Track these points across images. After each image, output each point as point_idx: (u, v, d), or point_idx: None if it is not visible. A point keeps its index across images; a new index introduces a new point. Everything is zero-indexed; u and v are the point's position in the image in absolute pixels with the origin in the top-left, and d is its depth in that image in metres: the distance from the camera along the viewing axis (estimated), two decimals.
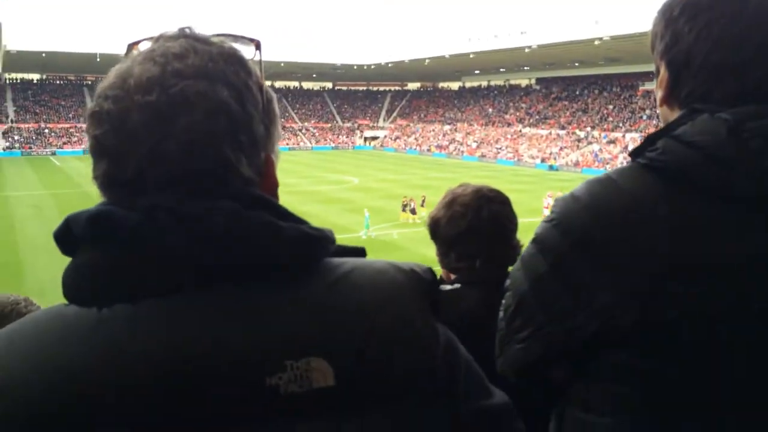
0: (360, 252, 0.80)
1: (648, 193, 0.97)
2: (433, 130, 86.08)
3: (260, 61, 0.79)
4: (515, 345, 1.08)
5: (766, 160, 0.92)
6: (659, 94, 1.13)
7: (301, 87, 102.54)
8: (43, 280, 19.76)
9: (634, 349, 0.95)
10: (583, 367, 1.03)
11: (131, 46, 0.78)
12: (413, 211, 30.06)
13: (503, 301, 1.13)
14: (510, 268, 1.16)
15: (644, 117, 65.46)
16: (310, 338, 0.68)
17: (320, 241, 0.74)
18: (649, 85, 67.12)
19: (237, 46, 0.77)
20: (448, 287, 1.83)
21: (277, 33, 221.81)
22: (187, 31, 0.75)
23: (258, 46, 0.81)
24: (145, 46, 0.76)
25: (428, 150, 78.92)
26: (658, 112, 1.16)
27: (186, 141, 0.69)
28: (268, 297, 0.70)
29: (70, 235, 0.71)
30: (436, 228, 1.96)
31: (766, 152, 0.92)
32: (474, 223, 1.87)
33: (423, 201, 31.16)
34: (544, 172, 58.89)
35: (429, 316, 0.75)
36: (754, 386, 0.92)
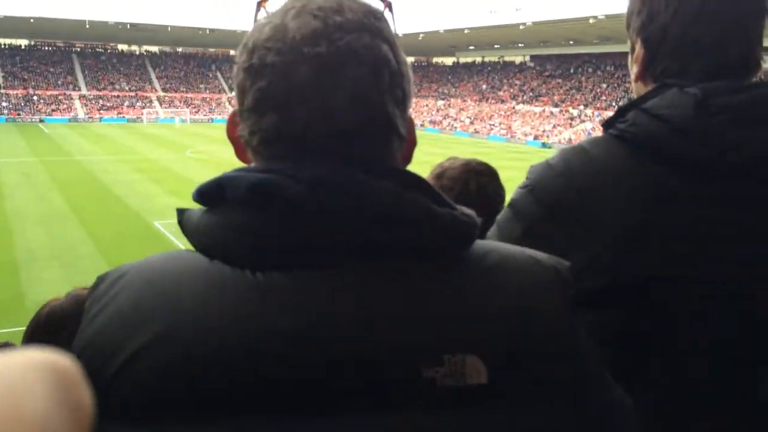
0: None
1: (618, 162, 1.02)
2: (427, 105, 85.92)
3: (393, 21, 0.79)
4: None
5: (728, 134, 0.96)
6: (634, 70, 1.17)
7: None
8: (32, 248, 19.82)
9: (604, 309, 0.99)
10: None
11: (260, 4, 0.78)
12: None
13: None
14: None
15: None
16: (466, 333, 0.67)
17: (472, 228, 0.74)
18: None
19: (371, 3, 0.77)
20: None
21: None
22: None
23: (389, 6, 0.81)
24: (273, 3, 0.75)
25: (421, 125, 78.69)
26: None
27: (354, 94, 0.69)
28: (426, 283, 0.69)
29: (220, 194, 0.70)
30: None
31: (730, 127, 0.96)
32: (462, 197, 1.88)
33: None
34: (537, 149, 58.96)
35: (572, 316, 0.75)
36: (716, 338, 0.98)
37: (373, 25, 0.73)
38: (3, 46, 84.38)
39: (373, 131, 0.72)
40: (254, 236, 0.68)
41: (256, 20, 0.76)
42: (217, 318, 0.64)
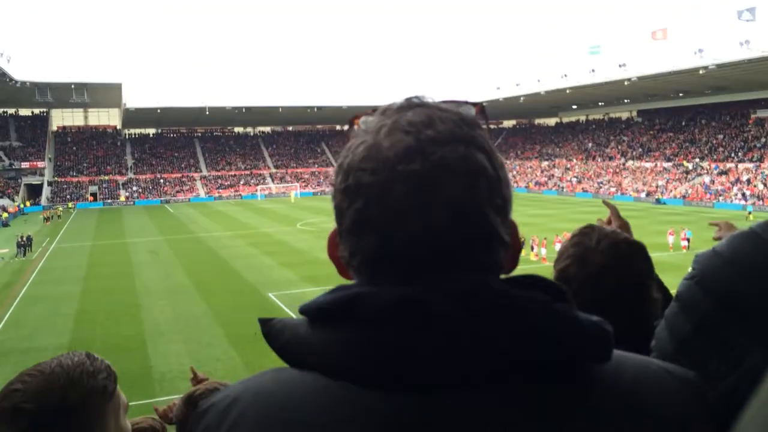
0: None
1: None
2: (531, 167, 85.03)
3: (487, 124, 0.77)
4: None
5: None
6: None
7: None
8: (158, 321, 20.96)
9: None
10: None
11: (353, 121, 0.78)
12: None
13: None
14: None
15: (758, 146, 61.79)
16: None
17: (611, 339, 0.71)
18: (762, 113, 63.59)
19: (462, 110, 0.76)
20: None
21: (379, 78, 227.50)
22: (416, 100, 0.75)
23: (482, 110, 0.79)
24: (366, 120, 0.76)
25: (526, 186, 77.84)
26: None
27: (453, 209, 0.68)
28: (566, 402, 0.67)
29: (350, 310, 0.69)
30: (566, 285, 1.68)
31: None
32: (608, 284, 1.64)
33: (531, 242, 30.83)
34: (651, 206, 56.48)
35: (712, 427, 0.72)
36: None
37: (467, 134, 0.71)
38: (134, 136, 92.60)
39: (476, 243, 0.70)
40: (383, 354, 0.65)
41: (349, 137, 0.76)
42: None
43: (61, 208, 63.59)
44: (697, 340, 0.97)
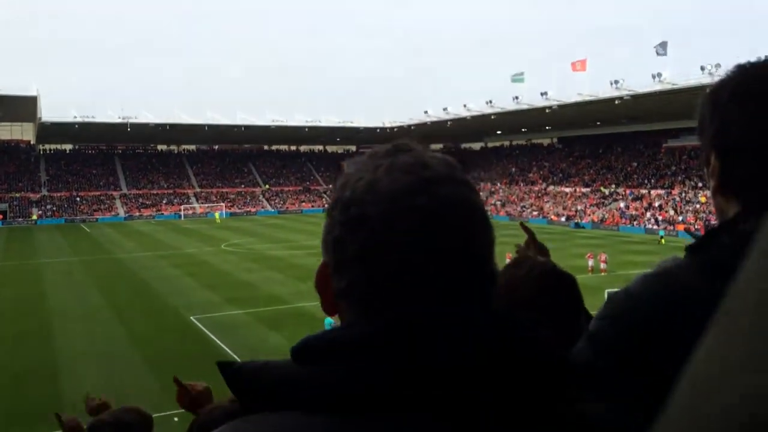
0: None
1: (711, 295, 0.90)
2: None
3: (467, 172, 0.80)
4: None
5: None
6: (711, 183, 1.05)
7: (326, 150, 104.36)
8: (72, 346, 19.93)
9: None
10: None
11: (341, 165, 0.80)
12: None
13: None
14: None
15: (668, 173, 65.23)
16: None
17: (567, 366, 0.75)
18: (672, 142, 67.17)
19: (447, 157, 0.79)
20: None
21: (302, 99, 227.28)
22: (406, 145, 0.77)
23: (464, 163, 0.83)
24: (355, 161, 0.77)
25: None
26: (703, 185, 1.07)
27: (455, 244, 0.70)
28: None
29: (332, 348, 0.69)
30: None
31: None
32: (537, 311, 1.61)
33: None
34: (571, 230, 58.44)
35: None
36: None
37: (461, 176, 0.74)
38: (49, 151, 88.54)
39: (476, 278, 0.72)
40: (382, 384, 0.66)
41: (339, 181, 0.77)
42: None
43: None
44: (610, 379, 0.95)
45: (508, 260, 1.77)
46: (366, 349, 0.68)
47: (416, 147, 0.77)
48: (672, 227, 52.93)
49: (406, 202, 0.70)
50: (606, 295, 0.99)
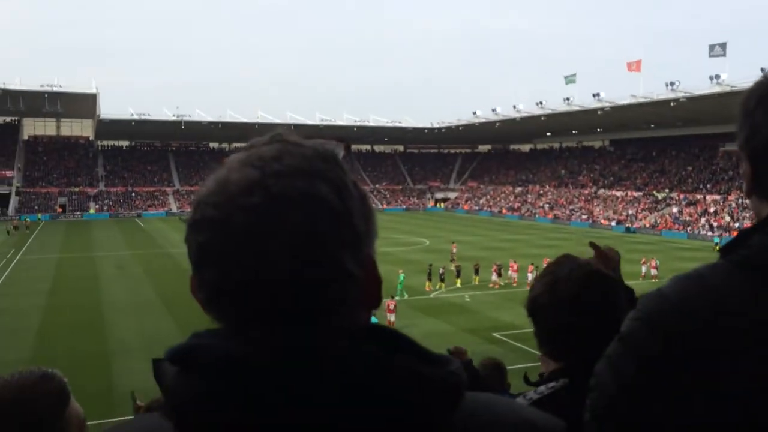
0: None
1: (742, 293, 0.92)
2: (504, 192, 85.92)
3: (351, 161, 1.05)
4: None
5: None
6: (745, 186, 1.09)
7: (373, 150, 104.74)
8: (124, 338, 20.56)
9: None
10: None
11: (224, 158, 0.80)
12: (442, 278, 29.76)
13: (588, 402, 1.04)
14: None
15: (725, 178, 63.23)
16: None
17: (461, 388, 0.70)
18: (730, 146, 65.10)
19: (325, 146, 0.76)
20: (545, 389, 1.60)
21: (348, 100, 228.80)
22: (279, 136, 0.74)
23: (347, 148, 0.79)
24: (234, 154, 0.76)
25: (500, 212, 78.44)
26: (742, 182, 1.10)
27: (291, 241, 0.66)
28: None
29: (192, 360, 0.69)
30: (536, 312, 1.74)
31: None
32: (577, 313, 1.64)
33: (476, 268, 31.10)
34: (621, 234, 57.23)
35: None
36: None
37: (316, 168, 0.70)
38: (106, 147, 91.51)
39: (318, 278, 0.68)
40: (215, 406, 0.65)
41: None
42: None
43: (16, 221, 61.44)
44: (639, 381, 0.95)
45: (545, 265, 1.80)
46: (201, 371, 0.67)
47: (292, 138, 0.74)
48: (728, 234, 51.32)
49: (240, 201, 0.67)
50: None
